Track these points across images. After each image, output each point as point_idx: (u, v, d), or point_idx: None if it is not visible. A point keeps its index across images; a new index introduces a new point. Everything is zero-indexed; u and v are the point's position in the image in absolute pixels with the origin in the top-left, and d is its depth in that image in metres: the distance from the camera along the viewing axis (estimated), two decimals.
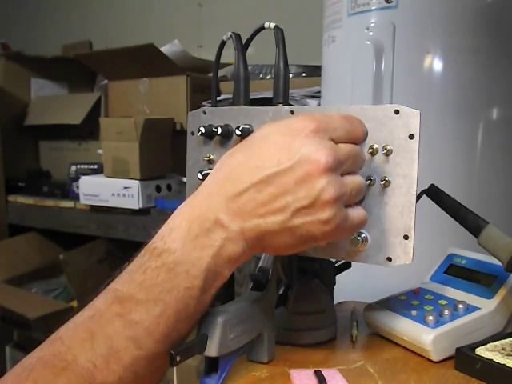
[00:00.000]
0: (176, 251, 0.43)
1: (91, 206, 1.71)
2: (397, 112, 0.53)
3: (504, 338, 0.56)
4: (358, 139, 0.50)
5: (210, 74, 1.80)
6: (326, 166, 0.44)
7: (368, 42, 0.98)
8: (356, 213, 0.49)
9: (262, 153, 0.45)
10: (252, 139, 0.47)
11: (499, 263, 0.59)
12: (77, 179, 1.78)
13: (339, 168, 0.46)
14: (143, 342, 0.42)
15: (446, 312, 0.58)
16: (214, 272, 0.44)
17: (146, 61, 1.72)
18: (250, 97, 0.65)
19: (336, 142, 0.47)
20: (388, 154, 0.54)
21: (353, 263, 0.64)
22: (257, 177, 0.44)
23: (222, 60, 0.66)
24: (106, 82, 1.96)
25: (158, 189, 1.64)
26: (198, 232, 0.44)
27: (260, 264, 0.57)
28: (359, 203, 0.51)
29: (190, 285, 0.43)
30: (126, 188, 1.60)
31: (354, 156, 0.48)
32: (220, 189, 0.45)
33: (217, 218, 0.44)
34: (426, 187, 0.63)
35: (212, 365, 0.49)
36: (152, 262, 0.43)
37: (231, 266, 0.45)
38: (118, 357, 0.42)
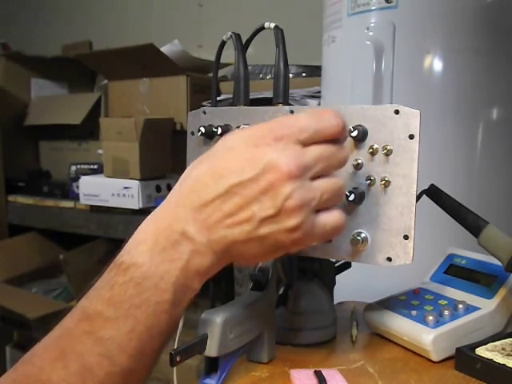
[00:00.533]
0: (143, 265, 0.42)
1: (91, 205, 1.71)
2: (397, 112, 0.53)
3: (504, 338, 0.56)
4: (332, 136, 0.46)
5: (210, 74, 1.80)
6: (289, 173, 0.43)
7: (368, 42, 0.98)
8: (330, 217, 0.47)
9: (226, 163, 0.45)
10: (216, 149, 0.46)
11: (499, 263, 0.59)
12: (77, 179, 1.78)
13: (306, 173, 0.44)
14: (116, 359, 0.42)
15: (446, 312, 0.58)
16: (184, 285, 0.43)
17: (146, 61, 1.72)
18: (250, 97, 0.65)
19: (305, 144, 0.45)
20: (388, 154, 0.54)
21: (353, 263, 0.64)
22: (221, 187, 0.44)
23: (222, 60, 0.66)
24: (105, 82, 1.96)
25: (158, 189, 1.64)
26: (164, 245, 0.43)
27: (260, 264, 0.57)
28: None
29: (159, 299, 0.42)
30: (126, 188, 1.60)
31: (326, 157, 0.46)
32: (186, 200, 0.44)
33: (183, 230, 0.43)
34: (426, 187, 0.63)
35: (212, 365, 0.49)
36: (119, 278, 0.42)
37: (200, 278, 0.44)
38: (92, 374, 0.41)
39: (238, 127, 0.61)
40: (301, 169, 0.43)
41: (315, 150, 0.45)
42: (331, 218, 0.47)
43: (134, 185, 1.58)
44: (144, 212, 1.59)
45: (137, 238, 0.44)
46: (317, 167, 0.45)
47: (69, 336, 0.42)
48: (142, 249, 0.43)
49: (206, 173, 0.45)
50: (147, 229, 0.45)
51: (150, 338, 0.42)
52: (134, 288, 0.42)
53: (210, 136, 0.64)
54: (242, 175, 0.43)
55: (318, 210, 0.46)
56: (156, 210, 0.46)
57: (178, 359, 0.45)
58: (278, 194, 0.43)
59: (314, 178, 0.45)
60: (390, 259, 0.54)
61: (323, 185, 0.45)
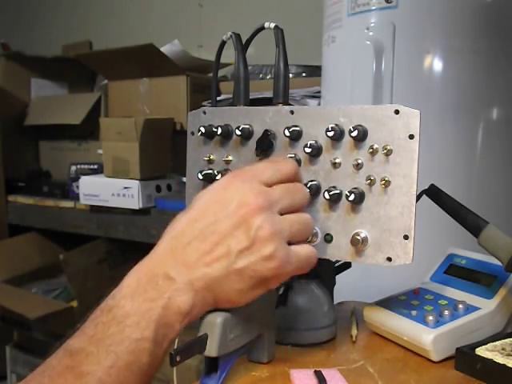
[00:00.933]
0: (125, 305, 0.44)
1: (91, 205, 1.71)
2: (397, 112, 0.53)
3: (504, 338, 0.56)
4: (289, 176, 0.51)
5: (210, 74, 1.80)
6: (257, 206, 0.47)
7: (368, 42, 0.98)
8: (303, 249, 0.50)
9: (201, 210, 0.48)
10: (191, 205, 0.50)
11: (499, 263, 0.59)
12: (77, 179, 1.78)
13: (273, 207, 0.48)
14: None
15: (446, 312, 0.58)
16: (165, 324, 0.44)
17: (146, 61, 1.72)
18: (250, 97, 0.65)
19: (268, 184, 0.50)
20: (388, 154, 0.54)
21: (353, 263, 0.64)
22: (197, 229, 0.47)
23: (222, 60, 0.66)
24: (105, 82, 1.96)
25: (158, 189, 1.64)
26: (146, 287, 0.45)
27: None
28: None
29: (140, 336, 0.43)
30: (126, 188, 1.60)
31: (290, 193, 0.50)
32: (167, 246, 0.48)
33: (165, 272, 0.46)
34: (426, 187, 0.63)
35: (212, 365, 0.49)
36: (103, 317, 0.44)
37: (182, 318, 0.45)
38: None
39: (238, 127, 0.61)
40: (268, 202, 0.48)
41: (279, 188, 0.50)
42: (304, 249, 0.50)
43: (134, 185, 1.58)
44: (144, 212, 1.59)
45: (122, 284, 0.46)
46: (283, 202, 0.49)
47: (52, 371, 0.43)
48: (125, 291, 0.45)
49: (185, 222, 0.48)
50: (131, 276, 0.47)
51: (130, 375, 0.43)
52: (117, 326, 0.43)
53: (210, 136, 0.64)
54: (215, 216, 0.47)
55: (290, 243, 0.49)
56: (140, 261, 0.48)
57: (178, 359, 0.45)
58: (250, 225, 0.46)
59: (282, 213, 0.49)
60: (390, 259, 0.54)
61: (291, 217, 0.50)
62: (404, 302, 0.63)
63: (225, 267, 0.46)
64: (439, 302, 0.62)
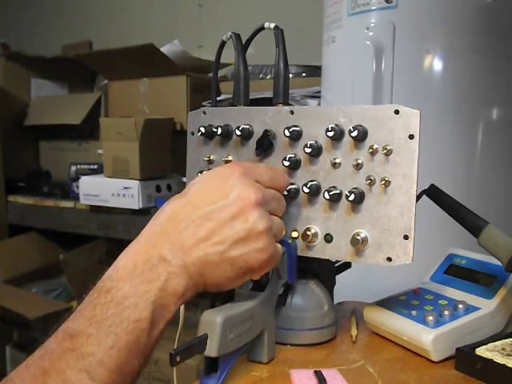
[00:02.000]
0: (124, 287, 0.45)
1: (91, 205, 1.71)
2: (397, 112, 0.53)
3: (504, 338, 0.56)
4: (281, 187, 0.55)
5: (210, 74, 1.80)
6: (257, 201, 0.49)
7: (368, 42, 0.98)
8: (280, 247, 0.54)
9: (198, 196, 0.50)
10: (187, 189, 0.51)
11: (499, 263, 0.59)
12: (77, 179, 1.78)
13: (266, 205, 0.51)
14: (96, 374, 0.43)
15: (446, 312, 0.58)
16: (161, 305, 0.46)
17: (146, 61, 1.72)
18: (250, 97, 0.65)
19: (264, 186, 0.52)
20: (388, 154, 0.54)
21: (353, 263, 0.64)
22: (196, 215, 0.48)
23: (222, 60, 0.66)
24: (106, 81, 1.96)
25: (158, 189, 1.64)
26: (143, 269, 0.46)
27: None
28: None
29: (138, 317, 0.44)
30: (125, 188, 1.60)
31: (277, 200, 0.54)
32: (162, 229, 0.48)
33: (161, 255, 0.47)
34: (426, 187, 0.63)
35: (212, 365, 0.49)
36: (101, 299, 0.45)
37: (177, 300, 0.47)
38: None
39: (238, 127, 0.61)
40: (264, 199, 0.50)
41: (271, 191, 0.53)
42: (280, 247, 0.54)
43: (134, 185, 1.58)
44: (144, 212, 1.59)
45: (116, 265, 0.47)
46: (272, 204, 0.53)
47: (51, 354, 0.43)
48: (122, 273, 0.46)
49: (180, 205, 0.49)
50: (126, 257, 0.48)
51: (129, 356, 0.44)
52: (116, 307, 0.44)
53: (210, 136, 0.64)
54: (214, 204, 0.49)
55: None
56: (133, 242, 0.49)
57: (178, 359, 0.45)
58: (248, 218, 0.48)
59: (270, 214, 0.52)
60: (390, 259, 0.54)
61: (276, 218, 0.53)
62: (404, 302, 0.63)
63: (219, 253, 0.48)
64: (439, 302, 0.62)
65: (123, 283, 0.45)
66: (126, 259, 0.47)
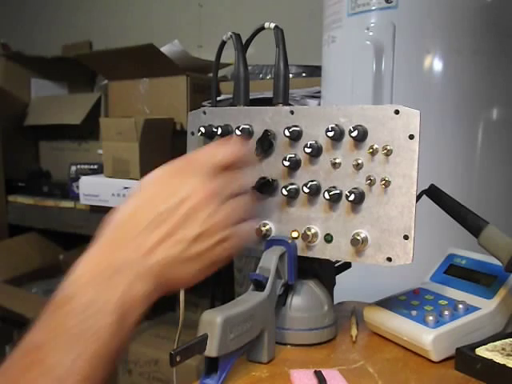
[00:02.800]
0: (87, 293, 0.44)
1: (91, 206, 1.71)
2: (397, 112, 0.53)
3: (504, 338, 0.56)
4: (239, 158, 0.53)
5: (210, 74, 1.79)
6: (205, 196, 0.49)
7: (368, 42, 0.98)
8: (245, 226, 0.53)
9: (147, 198, 0.50)
10: (139, 188, 0.52)
11: (499, 263, 0.59)
12: (77, 179, 1.78)
13: (222, 192, 0.51)
14: (68, 383, 0.42)
15: (446, 312, 0.58)
16: (127, 309, 0.45)
17: (146, 61, 1.72)
18: (250, 97, 0.65)
19: (213, 174, 0.51)
20: (388, 154, 0.54)
21: (353, 263, 0.64)
22: (151, 216, 0.48)
23: (222, 60, 0.66)
24: (106, 82, 1.96)
25: None
26: (107, 274, 0.45)
27: (260, 264, 0.57)
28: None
29: (103, 323, 0.44)
30: (126, 188, 1.60)
31: (229, 183, 0.52)
32: (121, 232, 0.48)
33: (123, 258, 0.46)
34: (426, 187, 0.63)
35: (212, 365, 0.49)
36: (64, 309, 0.44)
37: (142, 303, 0.46)
38: None
39: (238, 127, 0.61)
40: (217, 189, 0.50)
41: (225, 175, 0.52)
42: (244, 226, 0.53)
43: (134, 185, 1.58)
44: None
45: (77, 273, 0.46)
46: (229, 187, 0.52)
47: (18, 366, 0.43)
48: (83, 281, 0.45)
49: (135, 206, 0.50)
50: (87, 264, 0.47)
51: (99, 360, 0.43)
52: (79, 315, 0.43)
53: (210, 136, 0.64)
54: (164, 205, 0.48)
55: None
56: (91, 247, 0.48)
57: (178, 359, 0.45)
58: (200, 215, 0.49)
59: (227, 199, 0.52)
60: (390, 259, 0.54)
61: (238, 199, 0.52)
62: (404, 302, 0.63)
63: (180, 253, 0.48)
64: (439, 302, 0.62)
65: (85, 291, 0.44)
66: (87, 266, 0.46)
